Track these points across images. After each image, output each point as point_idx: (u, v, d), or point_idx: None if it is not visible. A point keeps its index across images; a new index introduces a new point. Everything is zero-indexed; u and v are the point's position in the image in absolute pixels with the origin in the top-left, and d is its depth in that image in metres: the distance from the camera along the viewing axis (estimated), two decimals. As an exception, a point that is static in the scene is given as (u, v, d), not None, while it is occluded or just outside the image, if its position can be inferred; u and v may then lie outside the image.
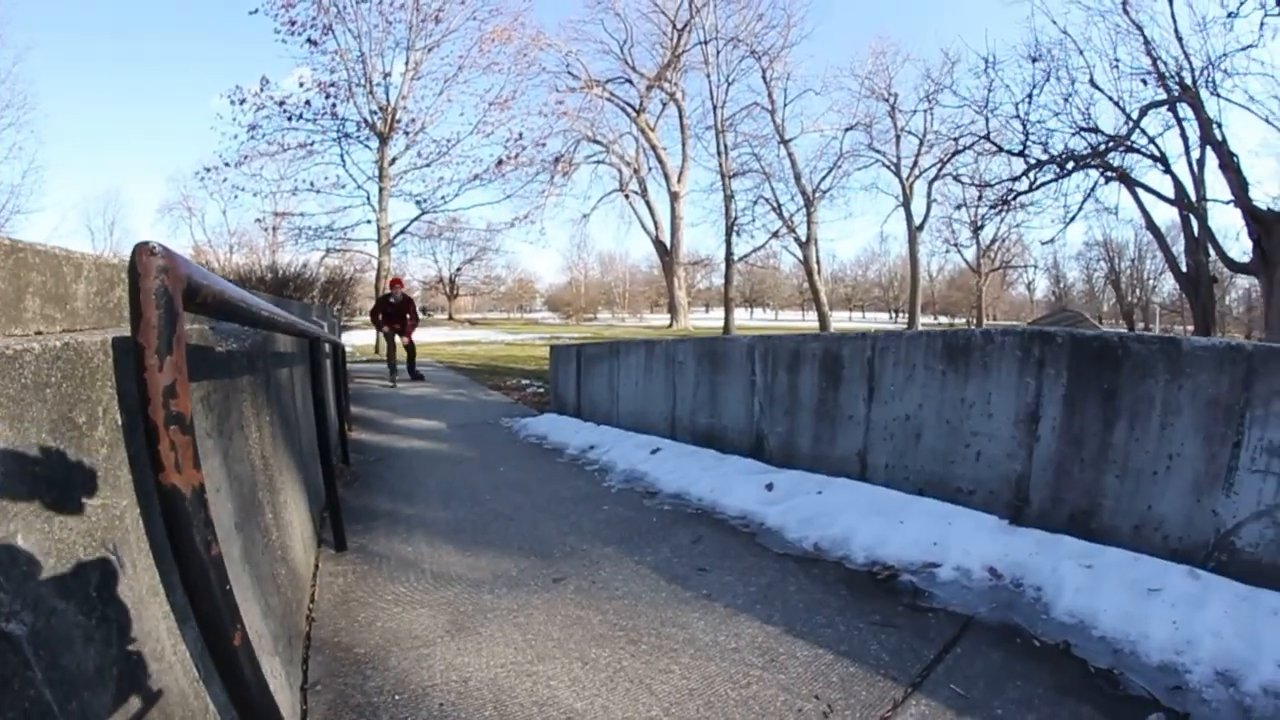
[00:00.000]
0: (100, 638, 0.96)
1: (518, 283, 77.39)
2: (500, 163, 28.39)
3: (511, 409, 9.60)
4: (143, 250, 0.87)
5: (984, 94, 20.58)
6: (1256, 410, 3.11)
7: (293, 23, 24.18)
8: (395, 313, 12.83)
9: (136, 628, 1.06)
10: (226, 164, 25.30)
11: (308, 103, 24.85)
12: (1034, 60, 19.37)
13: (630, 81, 44.01)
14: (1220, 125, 16.55)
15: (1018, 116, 19.48)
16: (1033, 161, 19.22)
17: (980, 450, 3.88)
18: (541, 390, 11.23)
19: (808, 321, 59.59)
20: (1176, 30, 16.93)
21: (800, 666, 2.48)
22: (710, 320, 54.78)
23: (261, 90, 24.59)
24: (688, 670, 2.44)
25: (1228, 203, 16.61)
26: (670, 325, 42.86)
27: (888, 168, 44.06)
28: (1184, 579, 3.06)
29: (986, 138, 20.94)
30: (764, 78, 41.63)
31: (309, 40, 24.41)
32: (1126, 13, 17.74)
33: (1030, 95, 19.22)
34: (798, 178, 41.53)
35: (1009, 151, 20.10)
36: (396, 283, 13.38)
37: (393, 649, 2.59)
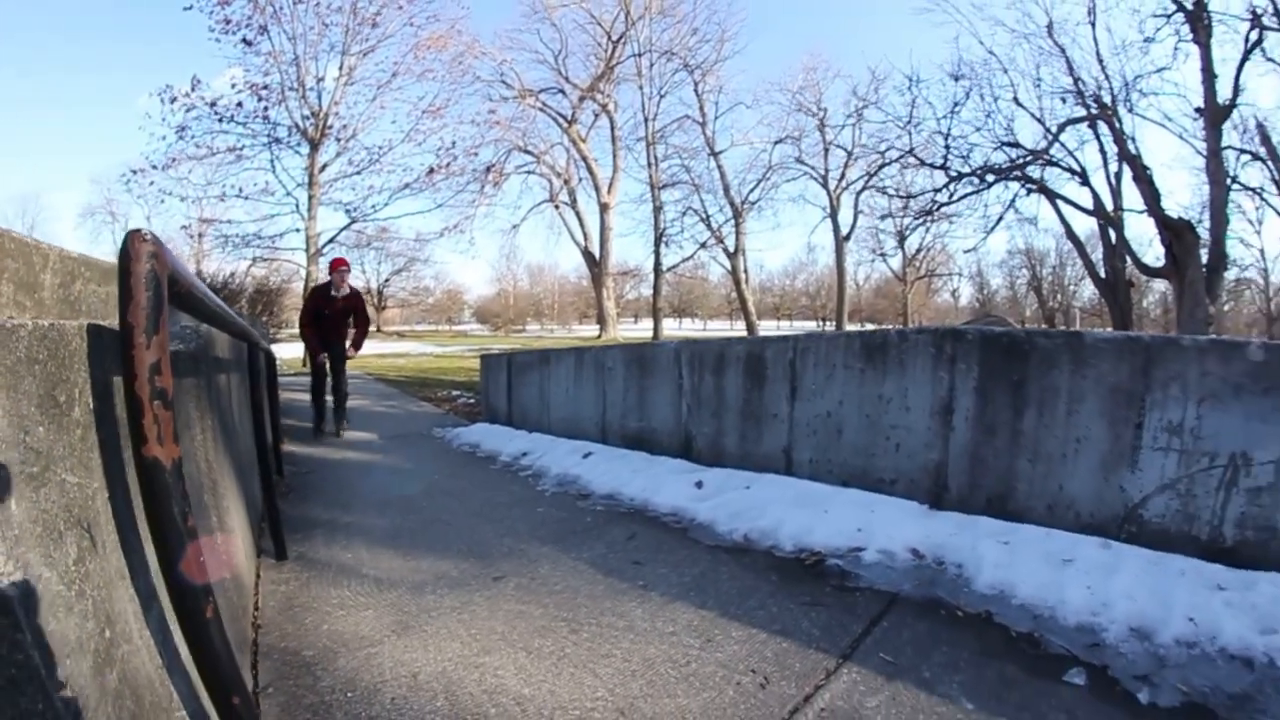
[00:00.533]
0: (79, 611, 1.01)
1: (446, 294, 76.45)
2: (431, 171, 27.73)
3: (443, 419, 9.58)
4: (136, 236, 0.94)
5: (908, 110, 21.46)
6: (1155, 394, 3.37)
7: (227, 21, 23.23)
8: (337, 318, 8.51)
9: (108, 606, 1.11)
10: (154, 166, 24.09)
11: (239, 105, 23.92)
12: (956, 78, 20.36)
13: (563, 92, 43.94)
14: (1135, 140, 17.75)
15: (940, 132, 20.34)
16: (954, 174, 20.02)
17: (899, 442, 4.08)
18: (472, 401, 11.20)
19: (736, 330, 60.27)
20: (1098, 53, 18.15)
21: (736, 645, 2.61)
22: (639, 330, 55.03)
23: (193, 90, 23.52)
24: (629, 654, 2.54)
25: (1141, 212, 17.73)
26: (599, 336, 42.81)
27: (815, 180, 45.06)
28: (1097, 549, 3.30)
29: (910, 152, 21.72)
30: (696, 91, 42.12)
31: (244, 40, 23.52)
32: (1051, 36, 18.79)
33: (953, 111, 20.16)
34: (727, 189, 42.09)
35: (931, 165, 20.90)
36: (340, 264, 8.47)
37: (341, 650, 2.61)
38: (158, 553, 1.08)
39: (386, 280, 63.42)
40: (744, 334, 40.43)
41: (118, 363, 1.18)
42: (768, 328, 48.27)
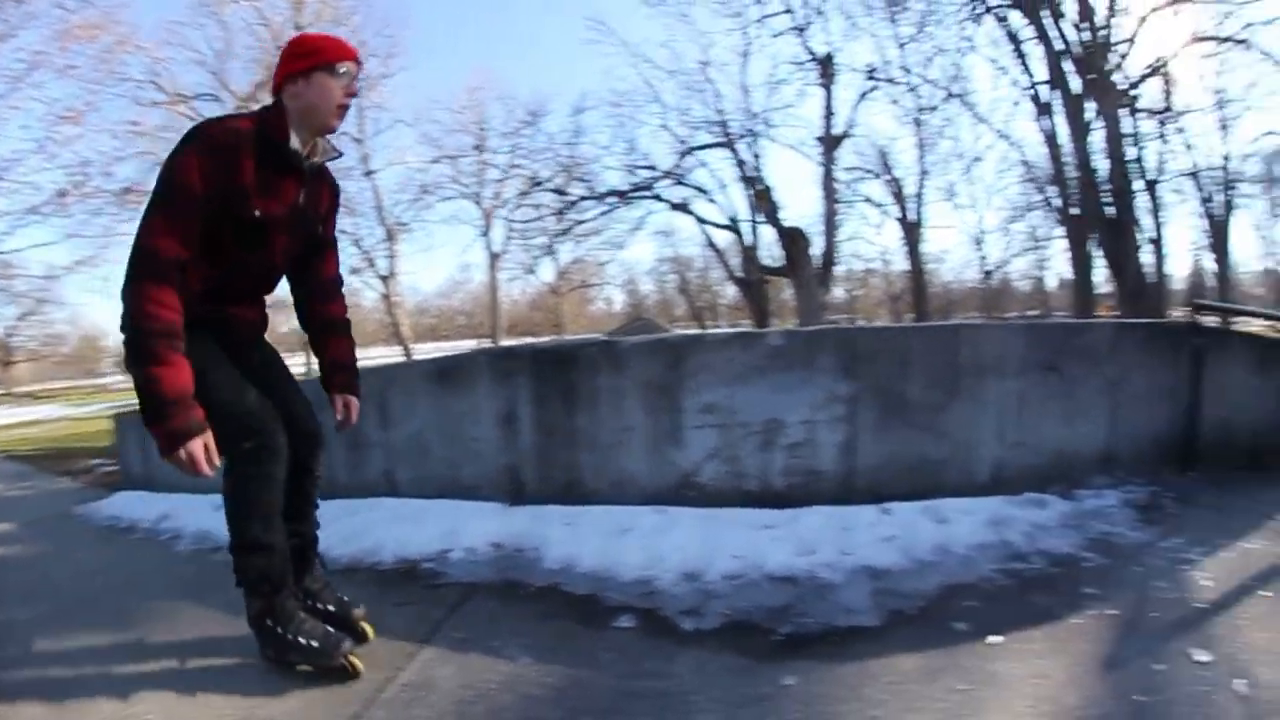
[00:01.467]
0: None
1: (83, 341, 67.15)
2: (63, 194, 22.57)
3: (84, 494, 9.10)
4: None
5: (538, 140, 25.01)
6: (688, 384, 4.08)
7: None
8: (282, 240, 2.72)
9: None
10: None
11: None
12: (579, 112, 24.26)
13: (219, 99, 40.10)
14: (759, 162, 22.35)
15: (568, 157, 23.64)
16: (574, 198, 23.04)
17: (479, 451, 4.80)
18: (114, 469, 10.58)
19: (394, 356, 59.01)
20: (743, 86, 22.39)
21: (336, 652, 3.13)
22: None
23: None
24: (251, 677, 3.05)
25: (763, 222, 21.89)
26: (253, 376, 39.54)
27: (470, 199, 45.11)
28: (653, 516, 3.93)
29: (536, 182, 24.61)
30: (357, 106, 40.14)
31: None
32: (704, 72, 22.88)
33: (574, 139, 23.48)
34: (380, 211, 41.02)
35: (552, 190, 24.07)
36: (340, 51, 2.69)
37: (5, 742, 2.80)
38: None
39: (13, 328, 53.69)
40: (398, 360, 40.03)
41: None
42: (426, 349, 47.34)
